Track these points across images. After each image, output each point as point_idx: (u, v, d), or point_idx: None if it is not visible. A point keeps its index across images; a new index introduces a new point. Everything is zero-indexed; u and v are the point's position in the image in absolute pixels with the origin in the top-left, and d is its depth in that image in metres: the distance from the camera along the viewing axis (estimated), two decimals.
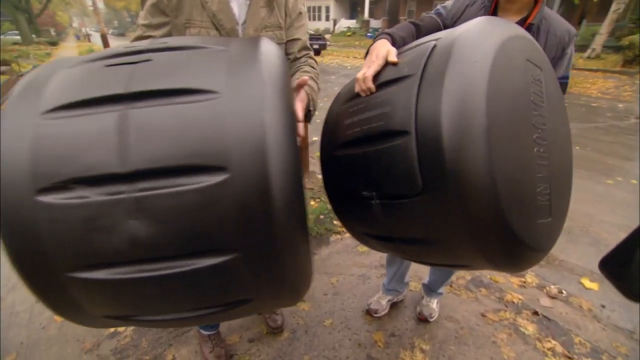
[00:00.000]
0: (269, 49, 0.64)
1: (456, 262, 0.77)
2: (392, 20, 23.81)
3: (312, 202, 2.67)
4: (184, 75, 0.57)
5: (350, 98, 0.84)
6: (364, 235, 0.86)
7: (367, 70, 0.79)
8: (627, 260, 0.83)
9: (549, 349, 1.59)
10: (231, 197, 0.51)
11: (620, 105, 6.95)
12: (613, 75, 10.37)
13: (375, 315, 1.67)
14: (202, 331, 1.49)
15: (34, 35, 21.76)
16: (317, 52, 15.28)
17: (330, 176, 0.87)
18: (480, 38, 0.66)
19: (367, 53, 0.87)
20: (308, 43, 1.12)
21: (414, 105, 0.65)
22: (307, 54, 1.11)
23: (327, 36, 21.22)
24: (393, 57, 0.79)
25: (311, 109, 0.94)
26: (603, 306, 1.89)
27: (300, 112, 0.80)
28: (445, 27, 1.07)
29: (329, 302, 1.78)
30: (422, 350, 1.54)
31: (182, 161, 0.51)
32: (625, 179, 3.45)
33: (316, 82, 1.02)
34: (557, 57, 1.00)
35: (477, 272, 2.03)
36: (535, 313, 1.79)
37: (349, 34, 24.50)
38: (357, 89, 0.81)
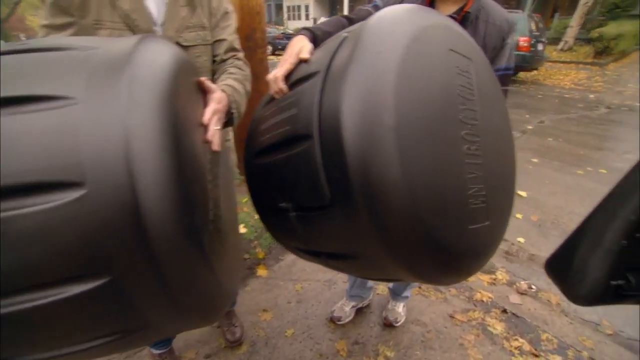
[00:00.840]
0: (154, 49, 0.55)
1: (391, 277, 0.70)
2: None
3: None
4: (32, 80, 0.48)
5: (267, 102, 0.77)
6: (296, 250, 0.79)
7: (279, 70, 0.73)
8: (569, 262, 0.78)
9: (516, 348, 1.55)
10: (90, 215, 0.44)
11: (591, 96, 7.09)
12: (585, 67, 10.60)
13: (339, 322, 1.61)
14: (152, 350, 1.40)
15: (2, 41, 20.99)
16: None
17: (252, 187, 0.79)
18: (391, 27, 0.59)
19: None
20: (237, 44, 1.05)
21: (317, 106, 0.57)
22: (235, 55, 1.04)
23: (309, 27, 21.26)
24: (304, 54, 0.73)
25: (233, 111, 0.87)
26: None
27: (208, 115, 0.72)
28: None
29: (292, 310, 1.71)
30: (386, 358, 1.48)
31: (29, 178, 0.44)
32: (595, 169, 3.49)
33: (242, 84, 0.95)
34: (498, 47, 0.95)
35: None
36: (504, 311, 1.76)
37: None
38: (270, 91, 0.74)
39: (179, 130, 0.52)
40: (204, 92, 0.77)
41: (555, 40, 12.76)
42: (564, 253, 0.80)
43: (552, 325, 1.69)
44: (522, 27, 7.83)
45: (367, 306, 1.73)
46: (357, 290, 1.60)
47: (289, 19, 29.92)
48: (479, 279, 1.98)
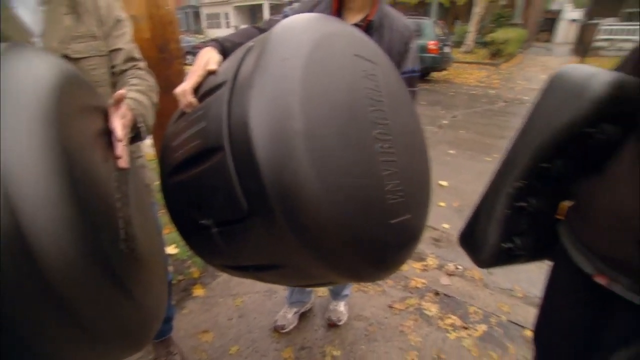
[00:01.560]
0: (24, 61, 0.49)
1: (324, 281, 0.71)
2: None
3: None
4: None
5: (178, 116, 0.73)
6: (223, 267, 0.76)
7: (186, 83, 0.70)
8: (473, 234, 0.88)
9: (449, 325, 1.68)
10: None
11: (492, 92, 8.05)
12: (484, 67, 12.00)
13: (283, 331, 1.58)
14: None
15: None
16: None
17: (170, 207, 0.75)
18: (295, 34, 0.59)
19: None
20: (136, 53, 0.98)
21: (225, 116, 0.56)
22: (135, 65, 0.97)
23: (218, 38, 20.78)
24: (211, 65, 0.71)
25: (140, 125, 0.81)
26: (490, 273, 2.09)
27: (118, 130, 0.67)
28: None
29: (234, 326, 1.64)
30: (334, 357, 1.49)
31: None
32: (500, 155, 3.96)
33: (147, 95, 0.89)
34: (402, 52, 1.02)
35: None
36: (437, 293, 1.89)
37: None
38: (180, 105, 0.71)
39: (68, 147, 0.46)
40: (104, 107, 0.71)
41: (458, 44, 14.28)
42: (469, 227, 0.90)
43: (477, 299, 1.86)
44: (430, 32, 8.61)
45: (310, 310, 1.73)
46: (297, 296, 1.60)
47: (208, 27, 29.00)
48: (412, 267, 2.10)
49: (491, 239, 0.82)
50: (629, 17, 13.46)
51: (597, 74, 0.63)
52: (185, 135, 0.67)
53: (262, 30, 0.96)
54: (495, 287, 1.97)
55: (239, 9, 26.99)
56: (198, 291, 1.83)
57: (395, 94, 0.77)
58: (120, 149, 0.68)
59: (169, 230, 2.33)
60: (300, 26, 0.63)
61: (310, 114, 0.53)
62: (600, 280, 0.67)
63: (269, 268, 0.64)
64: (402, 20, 1.03)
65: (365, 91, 0.66)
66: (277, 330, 1.59)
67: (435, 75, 9.75)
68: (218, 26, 28.52)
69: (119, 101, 0.72)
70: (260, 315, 1.70)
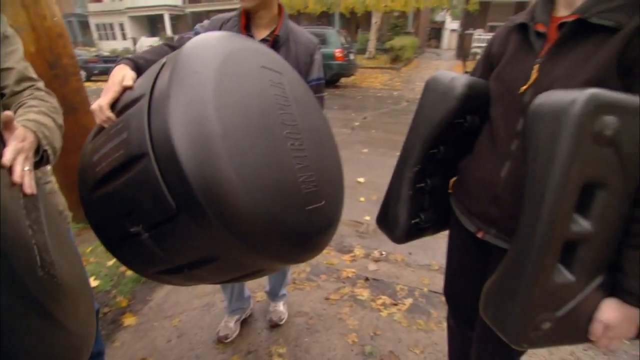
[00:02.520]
0: None
1: (256, 269, 0.78)
2: None
3: None
4: None
5: (95, 133, 0.75)
6: (157, 275, 0.78)
7: (102, 99, 0.73)
8: (387, 215, 1.04)
9: (381, 305, 1.86)
10: None
11: (395, 93, 8.89)
12: (387, 71, 13.16)
13: (227, 340, 1.59)
14: None
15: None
16: None
17: (96, 223, 0.75)
18: (205, 50, 0.68)
19: None
20: (31, 72, 0.91)
21: (146, 125, 0.61)
22: (32, 85, 0.91)
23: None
24: (128, 81, 0.75)
25: (46, 148, 0.77)
26: (410, 253, 2.36)
27: (8, 155, 0.64)
28: None
29: (174, 347, 1.58)
30: (280, 355, 1.55)
31: None
32: None
33: (50, 117, 0.84)
34: (308, 62, 1.15)
35: (314, 262, 2.20)
36: (367, 279, 2.07)
37: None
38: (97, 120, 0.73)
39: None
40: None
41: (362, 51, 15.40)
42: (382, 211, 1.06)
43: (402, 278, 2.09)
44: (335, 41, 9.15)
45: (250, 315, 1.76)
46: (236, 304, 1.62)
47: (100, 38, 26.29)
48: (342, 259, 2.27)
49: (401, 217, 0.98)
50: (492, 29, 16.14)
51: (457, 78, 0.83)
52: (106, 149, 0.69)
53: (174, 48, 1.00)
54: (416, 265, 2.24)
55: (135, 19, 25.02)
56: (129, 320, 1.72)
57: (302, 99, 0.88)
58: (18, 174, 0.64)
59: (86, 263, 2.13)
60: (209, 43, 0.71)
61: (224, 117, 0.61)
62: (479, 234, 0.86)
63: (203, 263, 0.69)
64: (306, 35, 1.16)
65: (273, 97, 0.76)
66: (220, 341, 1.59)
67: (343, 80, 10.37)
68: (113, 37, 26.05)
69: (8, 124, 0.67)
70: (201, 331, 1.67)
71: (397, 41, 14.26)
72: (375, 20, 14.31)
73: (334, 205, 0.87)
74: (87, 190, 0.73)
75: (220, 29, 1.12)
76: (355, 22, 18.26)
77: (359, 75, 11.23)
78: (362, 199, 3.09)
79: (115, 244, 0.75)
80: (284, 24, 1.11)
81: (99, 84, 12.08)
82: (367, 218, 2.77)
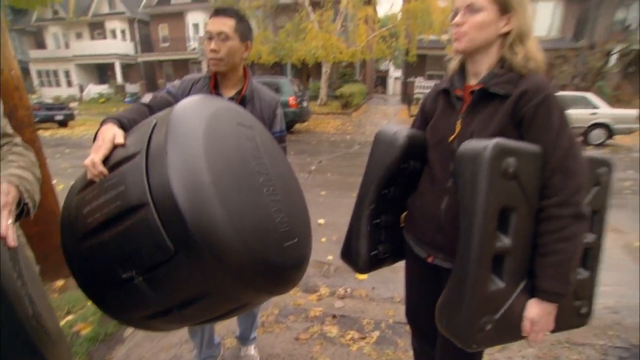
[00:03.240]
0: None
1: (239, 304, 0.85)
2: (150, 84, 23.36)
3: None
4: None
5: (84, 187, 0.83)
6: (143, 320, 0.82)
7: (95, 156, 0.81)
8: (349, 249, 1.17)
9: (350, 340, 1.92)
10: None
11: (347, 137, 9.42)
12: (339, 116, 13.95)
13: None
14: None
15: None
16: (63, 124, 12.88)
17: (82, 272, 0.80)
18: (192, 112, 0.81)
19: (94, 139, 0.89)
20: (9, 129, 0.96)
21: (145, 179, 0.71)
22: (10, 141, 0.95)
23: (74, 104, 18.38)
24: (119, 139, 0.84)
25: (27, 201, 0.83)
26: (373, 288, 2.48)
27: None
28: None
29: None
30: None
31: None
32: None
33: (30, 171, 0.89)
34: (271, 117, 1.32)
35: (281, 303, 2.23)
36: (334, 316, 2.13)
37: (102, 100, 22.12)
38: (89, 175, 0.81)
39: None
40: None
41: (314, 98, 16.27)
42: (345, 246, 1.19)
43: (367, 312, 2.18)
44: (288, 89, 9.66)
45: None
46: (207, 351, 1.60)
47: (41, 85, 25.11)
48: (309, 300, 2.32)
49: (362, 250, 1.12)
50: (430, 77, 18.07)
51: (400, 131, 1.03)
52: (100, 201, 0.77)
53: (150, 107, 1.12)
54: (380, 299, 2.35)
55: (82, 66, 24.40)
56: None
57: (270, 150, 1.02)
58: (3, 228, 0.69)
59: None
60: (194, 106, 0.85)
61: (214, 169, 0.73)
62: (430, 259, 1.02)
63: (194, 301, 0.76)
64: (269, 93, 1.34)
65: (249, 150, 0.89)
66: None
67: (298, 126, 10.82)
68: (56, 84, 25.00)
69: None
70: None
71: (347, 88, 15.33)
72: (326, 69, 15.37)
73: (305, 242, 0.99)
74: (74, 240, 0.79)
75: (191, 88, 1.25)
76: (306, 72, 19.41)
77: (312, 121, 11.79)
78: (323, 239, 3.20)
79: (101, 291, 0.80)
80: (249, 85, 1.27)
81: (40, 132, 11.44)
82: (330, 257, 2.87)
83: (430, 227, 0.99)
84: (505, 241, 0.80)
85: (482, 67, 0.93)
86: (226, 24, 1.18)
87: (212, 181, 0.71)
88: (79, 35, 25.06)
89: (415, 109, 14.28)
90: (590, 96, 9.35)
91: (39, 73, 25.13)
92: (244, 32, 1.23)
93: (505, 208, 0.79)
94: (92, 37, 24.67)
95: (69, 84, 24.71)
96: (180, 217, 0.66)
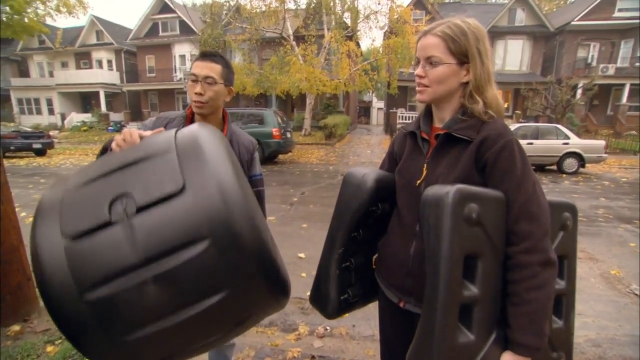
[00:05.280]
0: None
1: (250, 310, 0.81)
2: (134, 113, 23.31)
3: (50, 348, 2.03)
4: None
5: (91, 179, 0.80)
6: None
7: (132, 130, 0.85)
8: (318, 292, 1.14)
9: None
10: None
11: (331, 168, 9.49)
12: (322, 146, 14.14)
13: None
14: None
15: None
16: (41, 152, 12.58)
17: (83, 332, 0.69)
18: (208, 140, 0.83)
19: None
20: None
21: (178, 170, 0.74)
22: None
23: (54, 132, 18.08)
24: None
25: None
26: (354, 326, 2.40)
27: None
28: None
29: None
30: None
31: None
32: None
33: None
34: (249, 160, 1.32)
35: (258, 344, 2.13)
36: (313, 357, 2.04)
37: (84, 128, 21.85)
38: (114, 145, 0.85)
39: None
40: None
41: (298, 128, 16.52)
42: (314, 290, 1.16)
43: (348, 351, 2.10)
44: (271, 121, 9.78)
45: None
46: None
47: (21, 113, 24.71)
48: (287, 339, 2.23)
49: (331, 294, 1.08)
50: (412, 108, 18.73)
51: (368, 174, 1.03)
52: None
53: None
54: (360, 337, 2.27)
55: (66, 94, 24.23)
56: None
57: None
58: None
59: None
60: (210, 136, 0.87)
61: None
62: (401, 304, 0.99)
63: (211, 294, 0.70)
64: (247, 136, 1.35)
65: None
66: None
67: (281, 157, 10.89)
68: (37, 112, 24.65)
69: None
70: None
71: (331, 119, 15.67)
72: (310, 101, 15.74)
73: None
74: (64, 237, 0.69)
75: (165, 127, 1.24)
76: (290, 103, 19.83)
77: (296, 151, 11.89)
78: (303, 274, 3.13)
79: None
80: (229, 128, 1.28)
81: (13, 160, 11.11)
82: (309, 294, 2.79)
83: (400, 271, 0.97)
84: (472, 289, 0.79)
85: (446, 113, 0.96)
86: (213, 69, 1.20)
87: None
88: (64, 64, 25.12)
89: None
90: (562, 127, 9.87)
91: (19, 101, 24.81)
92: (229, 78, 1.25)
93: (471, 255, 0.79)
94: (78, 67, 24.74)
95: (51, 111, 24.42)
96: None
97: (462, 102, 0.92)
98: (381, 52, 14.98)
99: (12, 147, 11.64)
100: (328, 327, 2.36)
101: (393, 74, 15.01)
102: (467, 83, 0.92)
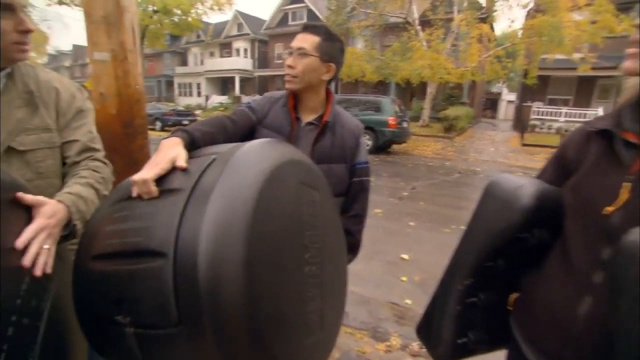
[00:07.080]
0: None
1: None
2: None
3: None
4: None
5: (117, 200, 0.72)
6: None
7: (147, 172, 0.68)
8: (429, 327, 0.89)
9: None
10: None
11: (447, 164, 8.66)
12: (440, 139, 13.08)
13: None
14: None
15: None
16: None
17: (82, 292, 0.69)
18: (254, 160, 0.66)
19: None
20: (94, 143, 0.97)
21: (176, 225, 0.57)
22: (91, 156, 0.95)
23: (198, 112, 21.41)
24: (181, 162, 0.71)
25: (76, 222, 0.77)
26: None
27: (26, 236, 0.64)
28: (258, 120, 1.10)
29: None
30: None
31: None
32: (457, 226, 4.12)
33: (94, 189, 0.86)
34: (354, 146, 1.13)
35: (345, 347, 1.98)
36: None
37: (221, 108, 25.27)
38: (134, 191, 0.68)
39: None
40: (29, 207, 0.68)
41: (416, 119, 15.65)
42: (425, 321, 0.91)
43: None
44: (388, 109, 9.41)
45: None
46: None
47: (180, 95, 30.08)
48: (376, 348, 2.02)
49: (445, 334, 0.82)
50: (552, 102, 15.72)
51: (524, 186, 0.72)
52: (123, 226, 0.66)
53: (233, 121, 1.03)
54: None
55: (210, 79, 28.46)
56: None
57: (328, 216, 0.84)
58: (30, 256, 0.63)
59: None
60: (259, 153, 0.69)
61: (253, 242, 0.57)
62: None
63: None
64: (353, 120, 1.16)
65: (305, 217, 0.72)
66: None
67: (395, 147, 10.44)
68: (190, 94, 29.64)
69: (39, 206, 0.69)
70: None
71: (452, 111, 14.34)
72: (431, 90, 14.68)
73: (331, 337, 0.81)
74: (86, 256, 0.69)
75: (270, 107, 1.14)
76: (410, 92, 18.89)
77: (411, 142, 11.27)
78: (404, 278, 2.84)
79: (93, 322, 0.70)
80: (332, 111, 1.12)
81: (163, 133, 13.51)
82: (408, 302, 2.51)
83: (556, 335, 0.65)
84: None
85: None
86: (307, 40, 1.07)
87: (244, 257, 0.56)
88: (212, 54, 29.39)
89: (530, 138, 12.54)
90: None
91: (179, 85, 30.28)
92: (328, 52, 1.08)
93: None
94: (222, 55, 28.65)
95: (199, 94, 29.02)
96: (195, 287, 0.53)
97: None
98: (520, 35, 12.87)
99: (169, 123, 14.31)
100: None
101: (533, 60, 12.78)
102: None
